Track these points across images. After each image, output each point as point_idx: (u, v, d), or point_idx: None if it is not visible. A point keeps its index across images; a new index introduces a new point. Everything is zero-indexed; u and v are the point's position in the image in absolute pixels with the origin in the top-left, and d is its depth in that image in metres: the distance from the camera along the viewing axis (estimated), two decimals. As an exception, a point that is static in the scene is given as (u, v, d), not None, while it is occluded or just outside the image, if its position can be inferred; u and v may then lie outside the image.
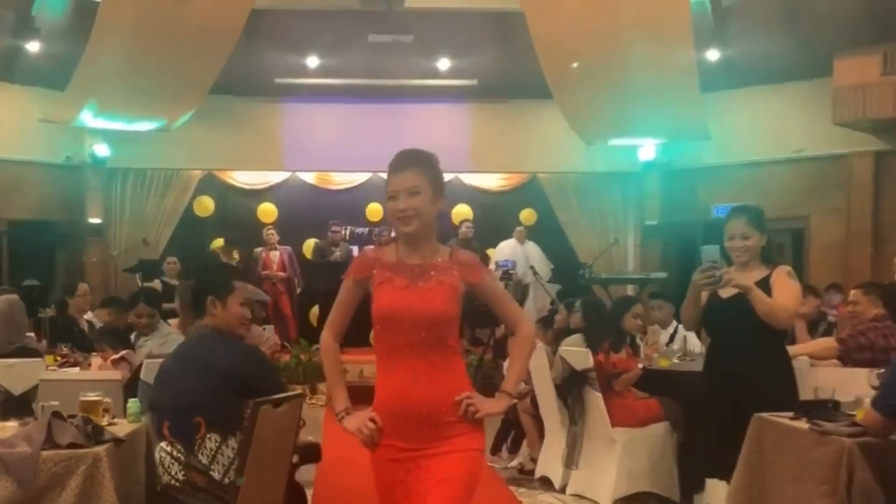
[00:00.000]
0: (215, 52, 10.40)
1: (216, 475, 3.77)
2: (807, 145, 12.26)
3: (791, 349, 4.86)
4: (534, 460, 6.96)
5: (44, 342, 7.09)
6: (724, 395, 4.41)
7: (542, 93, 12.14)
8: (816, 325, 7.41)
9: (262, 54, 12.40)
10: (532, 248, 12.45)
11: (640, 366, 6.25)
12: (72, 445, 3.33)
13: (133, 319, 6.17)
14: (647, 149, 13.28)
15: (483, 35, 12.62)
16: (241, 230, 13.04)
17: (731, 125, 12.52)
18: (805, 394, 4.47)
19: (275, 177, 13.81)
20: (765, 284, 4.32)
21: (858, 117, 11.47)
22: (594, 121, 12.36)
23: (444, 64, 13.03)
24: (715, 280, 4.21)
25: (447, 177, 12.92)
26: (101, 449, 3.35)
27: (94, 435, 3.42)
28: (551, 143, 13.19)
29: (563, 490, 6.34)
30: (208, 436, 3.82)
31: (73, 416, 3.51)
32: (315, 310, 12.38)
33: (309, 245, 13.11)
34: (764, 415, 4.14)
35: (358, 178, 13.77)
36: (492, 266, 11.54)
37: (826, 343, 6.08)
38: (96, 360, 6.07)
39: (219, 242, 12.64)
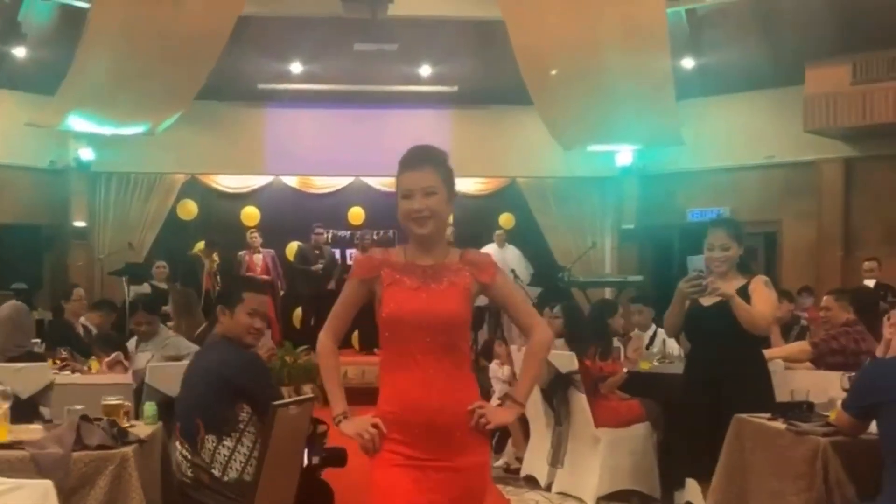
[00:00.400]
0: (203, 58, 10.56)
1: (216, 473, 3.99)
2: (778, 152, 12.59)
3: (766, 353, 5.06)
4: (519, 459, 7.17)
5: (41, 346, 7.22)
6: (705, 397, 4.61)
7: (522, 99, 12.36)
8: (790, 329, 7.72)
9: (245, 60, 12.55)
10: (512, 252, 12.65)
11: (625, 369, 6.51)
12: (100, 447, 3.52)
13: (133, 327, 6.34)
14: (624, 154, 13.56)
15: (464, 43, 12.85)
16: (224, 233, 13.13)
17: (706, 131, 12.82)
18: (781, 395, 4.73)
19: (257, 181, 13.96)
20: (743, 293, 4.55)
21: (828, 125, 11.80)
22: (572, 127, 12.59)
23: (425, 70, 13.25)
24: (701, 288, 4.44)
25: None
26: (128, 449, 3.55)
27: (120, 436, 3.62)
28: (530, 148, 13.42)
29: (548, 488, 6.53)
30: (206, 437, 4.02)
31: (98, 419, 3.71)
32: (298, 312, 12.54)
33: (292, 248, 13.29)
34: (743, 416, 4.36)
35: (340, 182, 13.97)
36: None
37: (800, 347, 6.38)
38: (94, 363, 6.26)
39: (200, 245, 12.78)
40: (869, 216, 12.07)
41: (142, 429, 3.97)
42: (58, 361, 6.26)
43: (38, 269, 12.26)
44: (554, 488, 6.51)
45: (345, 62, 12.83)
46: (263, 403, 4.01)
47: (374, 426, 2.82)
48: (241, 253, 12.58)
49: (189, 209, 13.68)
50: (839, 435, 3.81)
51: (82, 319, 8.19)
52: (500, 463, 7.43)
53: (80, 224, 13.03)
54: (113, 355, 6.01)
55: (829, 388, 4.63)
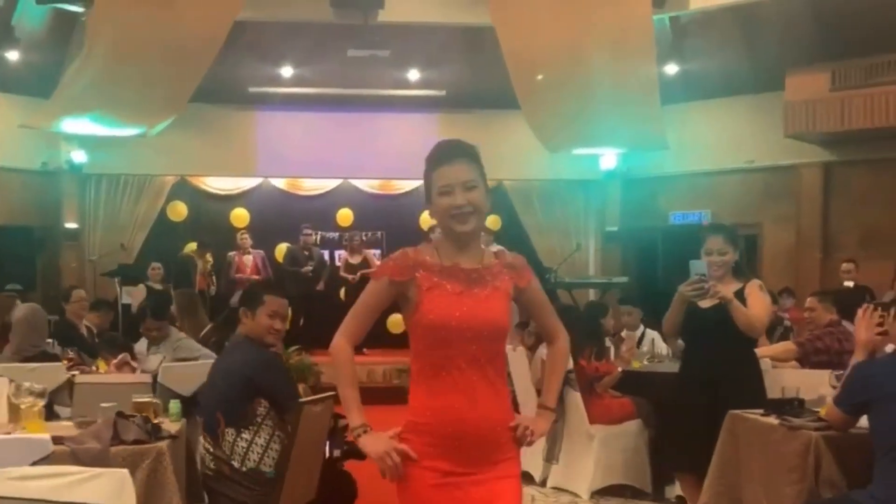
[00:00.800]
0: (198, 62, 10.67)
1: (236, 464, 4.18)
2: (759, 156, 12.86)
3: (756, 353, 5.35)
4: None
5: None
6: (702, 395, 4.82)
7: (509, 103, 12.53)
8: (773, 329, 7.99)
9: (236, 63, 12.67)
10: (499, 253, 12.83)
11: (620, 369, 6.74)
12: (136, 442, 3.71)
13: (144, 332, 6.49)
14: (609, 158, 13.81)
15: (452, 48, 13.04)
16: (213, 235, 13.25)
17: (689, 136, 13.03)
18: (772, 393, 4.95)
19: (247, 182, 14.08)
20: (739, 296, 4.76)
21: (808, 130, 12.07)
22: (558, 130, 12.77)
23: (414, 75, 13.43)
24: (703, 292, 4.66)
25: (415, 184, 13.40)
26: (162, 444, 3.74)
27: (154, 432, 3.81)
28: (516, 151, 13.57)
29: (543, 483, 6.74)
30: (226, 430, 4.22)
31: (132, 416, 3.89)
32: (287, 313, 12.66)
33: (281, 249, 13.44)
34: (737, 412, 4.57)
35: (328, 184, 14.14)
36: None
37: (785, 346, 6.64)
38: (101, 364, 6.41)
39: (192, 246, 12.90)
40: (847, 219, 12.37)
41: (168, 425, 4.16)
42: (66, 362, 6.41)
43: (30, 271, 12.32)
44: (549, 483, 6.72)
45: (335, 66, 12.99)
46: (282, 400, 4.23)
47: (400, 452, 2.63)
48: (231, 254, 12.73)
49: (179, 211, 13.79)
50: (830, 429, 4.01)
51: (84, 321, 8.32)
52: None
53: (71, 225, 13.13)
54: (120, 356, 6.16)
55: (817, 385, 4.83)
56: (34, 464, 3.01)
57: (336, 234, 13.99)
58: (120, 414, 3.81)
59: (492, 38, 11.70)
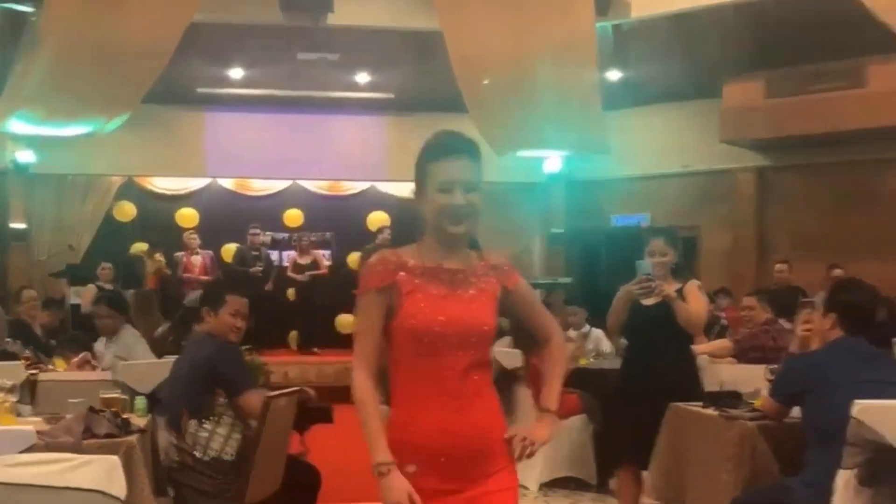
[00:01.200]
0: (151, 64, 10.70)
1: (198, 454, 4.36)
2: (697, 161, 13.26)
3: (693, 349, 5.64)
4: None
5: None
6: (644, 388, 5.05)
7: (457, 107, 12.74)
8: (711, 328, 8.33)
9: (185, 64, 12.64)
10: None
11: (571, 366, 6.99)
12: (108, 435, 3.85)
13: (96, 319, 6.55)
14: (553, 161, 14.12)
15: (401, 51, 13.22)
16: (161, 235, 13.24)
17: (630, 140, 13.32)
18: (710, 386, 5.25)
19: (195, 183, 14.09)
20: (679, 295, 5.03)
21: (743, 136, 12.52)
22: (505, 133, 12.97)
23: (363, 78, 13.59)
24: (650, 290, 4.93)
25: (364, 185, 13.59)
26: (132, 438, 3.88)
27: (124, 426, 3.95)
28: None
29: (492, 476, 7.00)
30: (189, 422, 4.39)
31: (102, 411, 4.02)
32: (247, 312, 12.71)
33: (228, 250, 13.49)
34: (679, 404, 4.82)
35: (277, 185, 14.22)
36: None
37: (722, 343, 7.01)
38: (59, 362, 6.47)
39: (142, 247, 12.89)
40: (780, 222, 12.83)
41: (136, 420, 4.30)
42: (23, 361, 6.45)
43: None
44: (498, 476, 6.94)
45: (284, 68, 13.09)
46: (237, 388, 4.39)
47: (414, 500, 2.42)
48: (179, 254, 12.75)
49: (126, 211, 13.74)
50: (765, 419, 4.28)
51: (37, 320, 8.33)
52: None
53: (18, 226, 13.01)
54: (81, 356, 6.23)
55: (752, 379, 5.12)
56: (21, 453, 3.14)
57: (285, 235, 14.06)
58: (91, 409, 3.94)
59: (440, 42, 11.90)
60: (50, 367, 6.42)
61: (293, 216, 14.11)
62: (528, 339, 6.87)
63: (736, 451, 4.32)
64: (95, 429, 3.85)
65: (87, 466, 2.78)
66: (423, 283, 2.53)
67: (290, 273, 12.95)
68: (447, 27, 11.76)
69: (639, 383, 5.16)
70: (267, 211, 13.96)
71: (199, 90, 13.35)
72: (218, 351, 4.52)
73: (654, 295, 4.94)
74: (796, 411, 4.18)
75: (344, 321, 13.12)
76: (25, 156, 12.81)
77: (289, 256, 13.54)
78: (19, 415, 4.78)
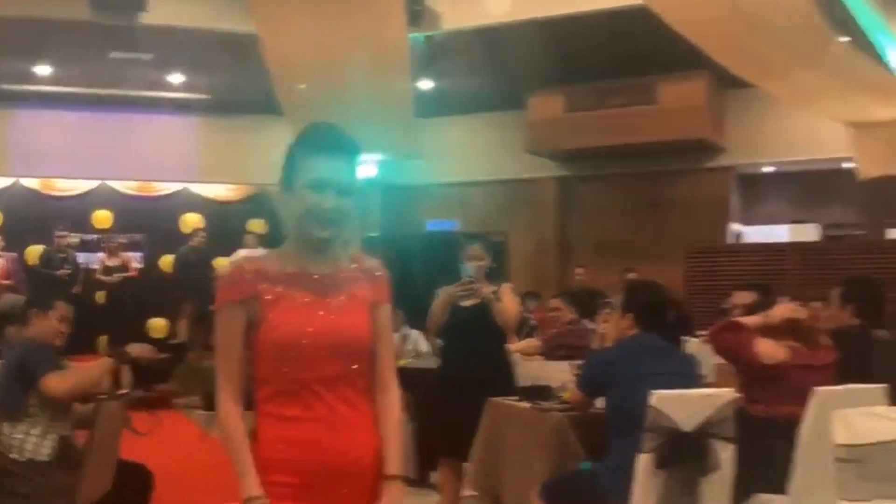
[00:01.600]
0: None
1: (14, 456, 4.38)
2: (504, 170, 13.95)
3: (507, 347, 6.06)
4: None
5: None
6: (462, 385, 5.39)
7: (272, 109, 12.81)
8: (521, 328, 8.87)
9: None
10: (265, 255, 13.06)
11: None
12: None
13: None
14: (368, 166, 14.40)
15: (217, 53, 13.11)
16: (-40, 236, 12.64)
17: (442, 148, 13.85)
18: (522, 382, 5.67)
19: (-5, 183, 13.51)
20: (495, 297, 5.45)
21: (546, 147, 13.29)
22: (320, 137, 13.16)
23: (177, 78, 13.39)
24: (473, 292, 5.31)
25: (176, 186, 13.58)
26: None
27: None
28: (278, 156, 13.78)
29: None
30: (3, 424, 4.41)
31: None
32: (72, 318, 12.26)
33: (34, 251, 13.00)
34: (496, 399, 5.17)
35: (84, 185, 13.82)
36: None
37: (531, 342, 7.54)
38: None
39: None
40: (580, 228, 13.70)
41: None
42: None
43: None
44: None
45: (95, 66, 12.71)
46: (37, 375, 4.35)
47: None
48: (-22, 257, 12.19)
49: (-78, 211, 13.00)
50: (573, 410, 4.69)
51: None
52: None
53: None
54: None
55: (559, 374, 5.53)
56: None
57: (94, 237, 13.68)
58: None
59: (256, 45, 11.92)
60: None
61: (102, 217, 13.75)
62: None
63: (548, 440, 4.67)
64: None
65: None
66: (287, 291, 2.32)
67: (98, 276, 12.62)
68: (263, 31, 11.80)
69: (458, 380, 5.49)
70: (75, 212, 13.57)
71: (2, 87, 12.77)
72: (27, 350, 4.55)
73: (474, 297, 5.31)
74: (601, 402, 4.63)
75: (155, 325, 12.94)
76: None
77: (100, 258, 13.18)
78: None
